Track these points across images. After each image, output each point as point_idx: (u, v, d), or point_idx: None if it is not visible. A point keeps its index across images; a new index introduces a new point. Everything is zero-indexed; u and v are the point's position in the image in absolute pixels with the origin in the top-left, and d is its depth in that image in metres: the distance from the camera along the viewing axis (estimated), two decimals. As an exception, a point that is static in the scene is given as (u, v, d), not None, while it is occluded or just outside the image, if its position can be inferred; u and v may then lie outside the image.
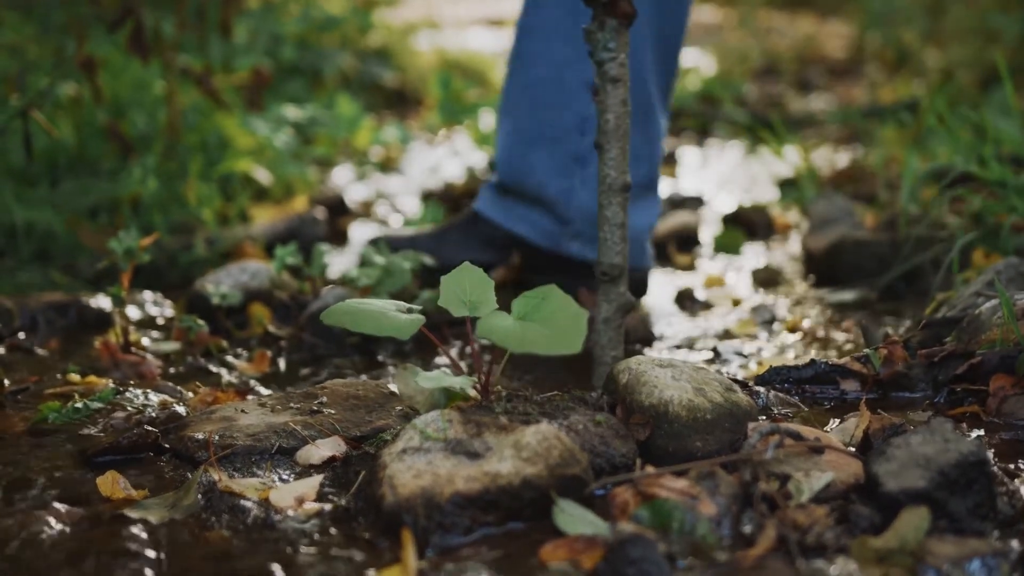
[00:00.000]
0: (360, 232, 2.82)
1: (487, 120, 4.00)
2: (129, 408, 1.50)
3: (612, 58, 1.49)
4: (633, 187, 1.99)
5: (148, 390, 1.56)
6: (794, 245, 2.60)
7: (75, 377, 1.64)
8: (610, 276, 1.53)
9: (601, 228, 1.52)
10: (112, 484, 1.27)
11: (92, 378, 1.64)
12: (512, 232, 2.07)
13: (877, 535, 1.09)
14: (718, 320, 2.01)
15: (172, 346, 1.82)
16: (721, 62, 5.41)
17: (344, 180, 3.37)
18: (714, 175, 3.51)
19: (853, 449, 1.32)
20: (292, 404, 1.45)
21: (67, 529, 1.18)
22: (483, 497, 1.14)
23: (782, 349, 1.83)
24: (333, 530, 1.18)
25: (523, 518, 1.16)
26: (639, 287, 2.10)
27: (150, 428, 1.41)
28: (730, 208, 2.83)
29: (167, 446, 1.40)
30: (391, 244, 2.11)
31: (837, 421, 1.45)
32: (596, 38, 1.49)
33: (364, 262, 1.96)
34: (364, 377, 1.71)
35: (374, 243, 2.12)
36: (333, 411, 1.43)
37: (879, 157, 2.68)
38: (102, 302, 1.98)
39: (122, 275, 1.76)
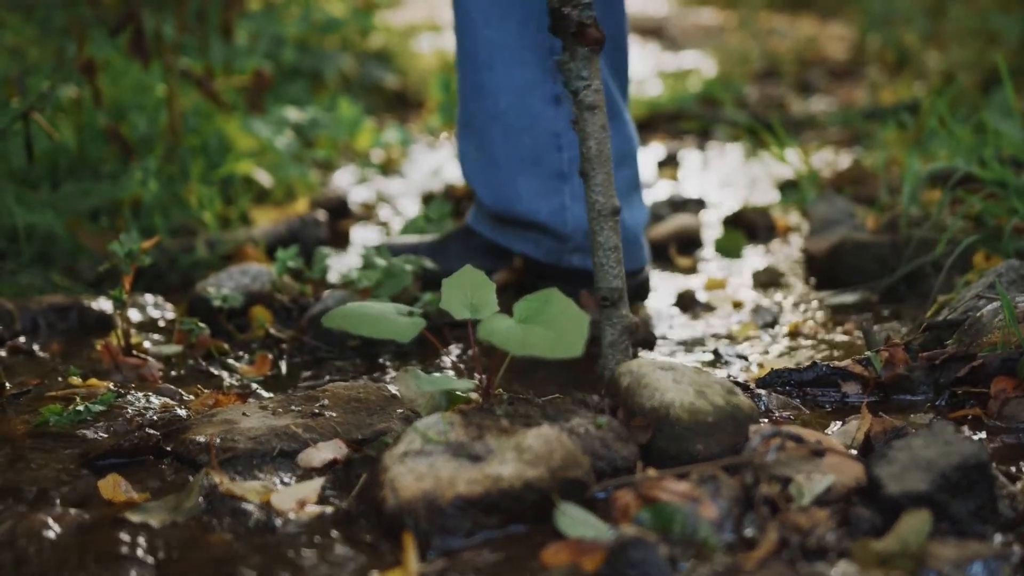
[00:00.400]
0: (361, 234, 2.82)
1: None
2: (130, 411, 1.50)
3: (587, 85, 1.50)
4: (623, 188, 1.99)
5: (149, 393, 1.56)
6: (795, 247, 2.60)
7: (76, 380, 1.64)
8: (611, 300, 1.53)
9: (595, 254, 1.52)
10: (113, 487, 1.28)
11: (93, 381, 1.64)
12: (511, 249, 2.07)
13: (879, 538, 1.09)
14: (719, 322, 2.01)
15: (173, 349, 1.82)
16: (722, 64, 5.41)
17: (345, 182, 3.37)
18: (715, 177, 3.51)
19: (854, 452, 1.32)
20: (293, 407, 1.45)
21: (68, 532, 1.18)
22: (485, 500, 1.14)
23: (783, 351, 1.83)
24: (334, 533, 1.18)
25: (524, 521, 1.16)
26: (641, 289, 2.10)
27: (151, 431, 1.41)
28: (731, 210, 2.82)
29: (168, 449, 1.40)
30: (392, 252, 2.11)
31: (838, 424, 1.45)
32: (569, 68, 1.50)
33: (365, 264, 1.96)
34: (365, 380, 1.71)
35: (376, 248, 2.12)
36: (334, 414, 1.43)
37: (880, 159, 2.68)
38: (103, 305, 1.98)
39: (123, 278, 1.76)
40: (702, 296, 2.17)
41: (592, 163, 1.51)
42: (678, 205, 3.00)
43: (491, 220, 2.08)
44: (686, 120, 4.27)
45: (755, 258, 2.52)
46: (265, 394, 1.64)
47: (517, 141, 1.97)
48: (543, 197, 1.97)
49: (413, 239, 2.20)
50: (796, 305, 2.11)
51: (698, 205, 3.03)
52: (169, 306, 2.09)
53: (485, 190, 2.03)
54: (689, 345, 1.88)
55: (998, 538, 1.11)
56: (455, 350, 1.86)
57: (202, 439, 1.37)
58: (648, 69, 6.06)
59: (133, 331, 1.89)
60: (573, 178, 1.96)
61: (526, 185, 1.99)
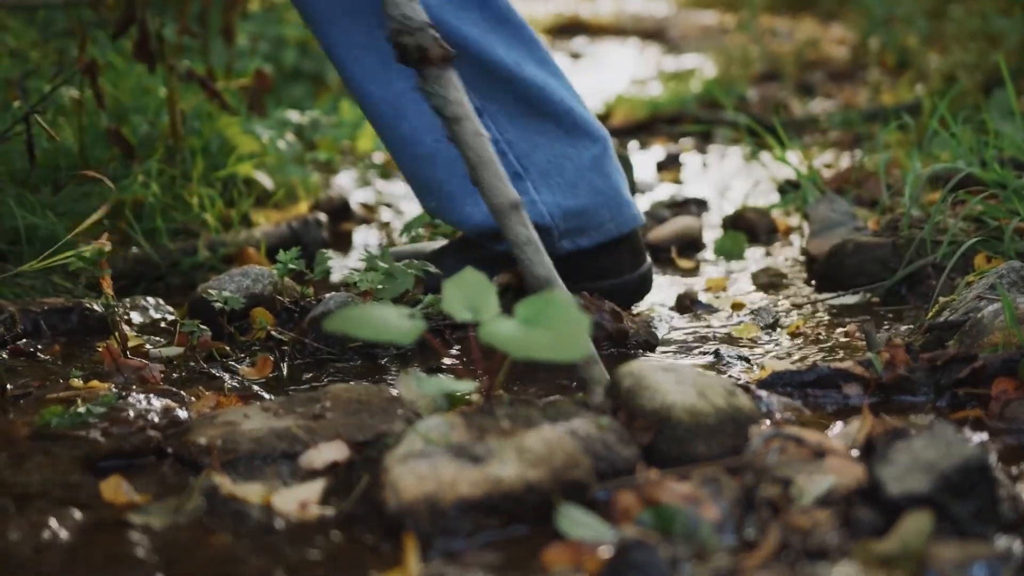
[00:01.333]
0: (363, 237, 2.83)
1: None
2: (132, 413, 1.50)
3: (447, 101, 1.51)
4: (613, 172, 1.98)
5: (151, 395, 1.56)
6: (796, 248, 2.60)
7: (77, 382, 1.64)
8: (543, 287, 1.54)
9: (514, 253, 1.53)
10: (115, 489, 1.28)
11: (94, 383, 1.64)
12: (509, 252, 2.06)
13: (880, 539, 1.09)
14: (720, 324, 2.01)
15: (174, 351, 1.82)
16: (722, 66, 5.41)
17: (347, 185, 3.37)
18: (716, 179, 3.51)
19: (855, 453, 1.32)
20: (295, 409, 1.45)
21: (70, 534, 1.18)
22: (486, 501, 1.15)
23: (784, 353, 1.83)
24: (336, 534, 1.18)
25: (526, 522, 1.16)
26: (643, 283, 2.09)
27: (153, 433, 1.41)
28: (732, 211, 2.83)
29: (170, 451, 1.40)
30: (394, 259, 2.11)
31: (840, 425, 1.45)
32: (427, 90, 1.51)
33: (367, 267, 1.96)
34: (367, 382, 1.71)
35: (378, 251, 2.12)
36: (336, 415, 1.43)
37: (881, 160, 2.68)
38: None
39: (102, 280, 1.77)
40: (703, 297, 2.17)
41: (476, 171, 1.53)
42: (679, 207, 3.00)
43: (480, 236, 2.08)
44: (687, 122, 4.27)
45: (756, 260, 2.52)
46: (266, 396, 1.64)
47: (457, 170, 1.95)
48: None
49: (414, 248, 2.20)
50: (797, 306, 2.11)
51: (699, 206, 3.03)
52: (170, 308, 2.09)
53: (458, 223, 2.03)
54: (690, 346, 1.88)
55: (999, 539, 1.11)
56: (456, 352, 1.86)
57: (203, 441, 1.37)
58: (648, 71, 6.07)
59: (133, 333, 1.89)
60: (530, 172, 1.96)
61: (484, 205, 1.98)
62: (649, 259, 2.11)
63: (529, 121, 1.96)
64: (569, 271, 2.03)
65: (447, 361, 1.82)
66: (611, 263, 2.03)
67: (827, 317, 2.02)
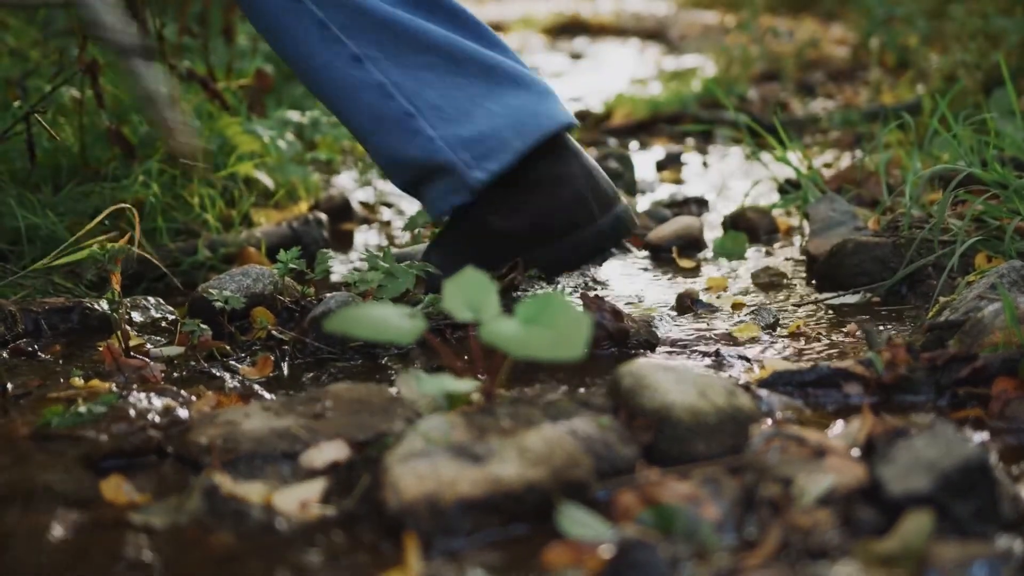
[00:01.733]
0: (363, 236, 2.83)
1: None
2: (132, 412, 1.50)
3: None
4: (477, 75, 2.00)
5: (151, 394, 1.56)
6: (796, 248, 2.60)
7: (78, 381, 1.64)
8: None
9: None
10: (116, 488, 1.28)
11: (95, 382, 1.64)
12: (446, 213, 2.05)
13: (881, 538, 1.09)
14: (720, 323, 2.01)
15: (175, 350, 1.82)
16: (723, 66, 5.41)
17: (347, 184, 3.37)
18: (716, 178, 3.51)
19: (856, 452, 1.32)
20: (295, 408, 1.45)
21: (71, 533, 1.19)
22: (487, 501, 1.15)
23: (784, 352, 1.83)
24: (337, 534, 1.18)
25: (526, 521, 1.17)
26: (620, 224, 2.09)
27: (153, 432, 1.41)
28: (732, 211, 2.83)
29: (170, 450, 1.40)
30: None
31: (840, 424, 1.45)
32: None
33: (368, 266, 1.96)
34: (367, 381, 1.71)
35: (379, 250, 2.12)
36: (336, 415, 1.43)
37: (882, 160, 2.68)
38: (105, 306, 1.98)
39: (112, 276, 1.77)
40: (703, 297, 2.17)
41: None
42: (679, 206, 3.00)
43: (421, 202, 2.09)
44: (687, 122, 4.28)
45: (756, 259, 2.52)
46: (267, 395, 1.64)
47: (357, 115, 2.00)
48: (408, 141, 1.98)
49: (408, 250, 2.20)
50: (797, 306, 2.11)
51: (699, 206, 3.03)
52: (171, 308, 2.09)
53: (385, 174, 2.07)
54: (690, 346, 1.88)
55: (1000, 539, 1.11)
56: (457, 351, 1.86)
57: (204, 440, 1.37)
58: (649, 70, 6.07)
59: (134, 332, 1.90)
60: (422, 110, 1.97)
61: (388, 143, 2.00)
62: (623, 201, 2.10)
63: (412, 59, 1.98)
64: (536, 232, 2.02)
65: (447, 360, 1.82)
66: (580, 212, 2.03)
67: (827, 317, 2.02)
